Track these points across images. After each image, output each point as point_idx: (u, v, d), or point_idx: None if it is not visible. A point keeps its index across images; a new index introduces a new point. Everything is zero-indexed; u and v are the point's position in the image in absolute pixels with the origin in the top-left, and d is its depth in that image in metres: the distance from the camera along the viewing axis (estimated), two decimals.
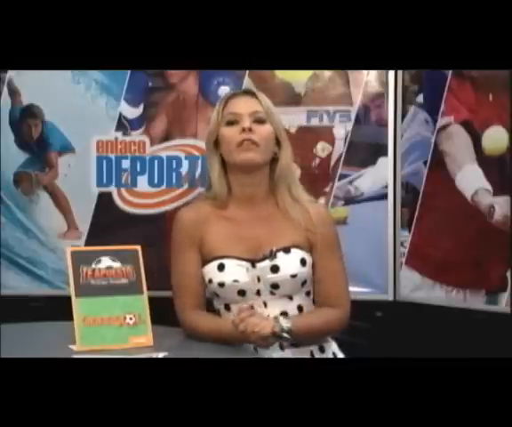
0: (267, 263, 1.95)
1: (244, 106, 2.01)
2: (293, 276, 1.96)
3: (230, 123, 2.00)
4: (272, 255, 1.95)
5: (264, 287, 1.96)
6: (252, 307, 1.91)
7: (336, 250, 2.03)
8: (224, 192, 2.02)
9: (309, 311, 2.01)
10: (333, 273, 2.01)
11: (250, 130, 1.97)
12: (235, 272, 1.94)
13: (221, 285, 1.95)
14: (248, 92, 2.06)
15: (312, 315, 2.00)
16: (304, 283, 1.99)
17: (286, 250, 1.96)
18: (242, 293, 1.95)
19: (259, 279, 1.96)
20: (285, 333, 1.86)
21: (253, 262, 1.96)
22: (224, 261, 1.95)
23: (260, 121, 2.00)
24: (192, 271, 2.00)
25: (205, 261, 1.99)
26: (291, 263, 1.96)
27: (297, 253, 1.97)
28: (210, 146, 2.04)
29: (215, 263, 1.96)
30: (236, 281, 1.94)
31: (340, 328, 2.03)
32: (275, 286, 1.96)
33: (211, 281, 1.97)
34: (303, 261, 1.97)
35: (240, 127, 1.97)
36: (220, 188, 2.02)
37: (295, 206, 2.01)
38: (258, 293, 1.96)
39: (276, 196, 2.03)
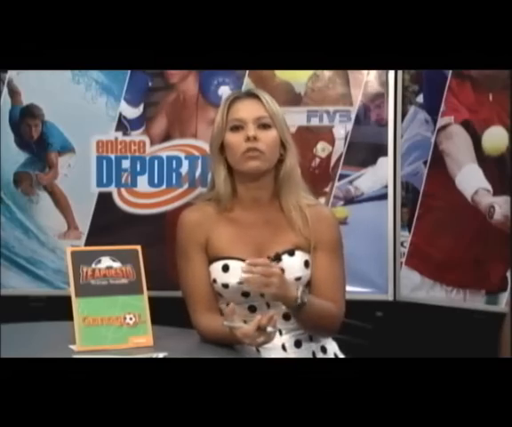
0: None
1: (248, 111, 2.00)
2: (298, 278, 1.96)
3: (235, 128, 1.99)
4: (277, 258, 1.93)
5: None
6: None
7: (333, 253, 2.01)
8: (229, 195, 2.02)
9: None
10: (328, 276, 1.99)
11: (255, 138, 1.96)
12: (239, 274, 1.91)
13: (225, 286, 1.96)
14: (251, 95, 2.05)
15: (320, 300, 1.96)
16: (307, 285, 1.99)
17: (290, 253, 1.97)
18: (245, 294, 1.95)
19: None
20: (302, 301, 1.85)
21: None
22: (228, 262, 1.96)
23: (264, 126, 1.99)
24: (201, 275, 1.99)
25: (210, 261, 1.99)
26: (295, 266, 1.96)
27: (301, 256, 1.98)
28: (215, 150, 2.04)
29: (220, 264, 1.97)
30: (240, 283, 1.92)
31: (335, 326, 2.00)
32: None
33: (215, 281, 1.97)
34: (307, 264, 1.98)
35: (245, 134, 1.97)
36: (226, 191, 2.01)
37: (297, 209, 2.01)
38: (261, 294, 1.94)
39: (279, 198, 2.03)
